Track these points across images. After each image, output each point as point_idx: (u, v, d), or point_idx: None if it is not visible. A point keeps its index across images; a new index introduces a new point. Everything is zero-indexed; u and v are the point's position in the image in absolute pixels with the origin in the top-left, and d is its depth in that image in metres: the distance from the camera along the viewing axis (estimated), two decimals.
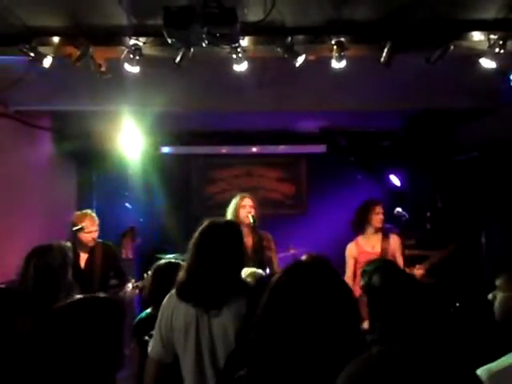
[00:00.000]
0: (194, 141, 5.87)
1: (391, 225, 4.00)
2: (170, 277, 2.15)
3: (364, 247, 3.85)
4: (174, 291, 2.01)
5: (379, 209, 3.86)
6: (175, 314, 1.95)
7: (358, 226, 3.89)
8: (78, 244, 3.60)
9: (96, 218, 3.69)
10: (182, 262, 2.63)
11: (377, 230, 3.83)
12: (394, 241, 3.85)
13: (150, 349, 2.00)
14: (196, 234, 2.02)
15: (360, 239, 3.89)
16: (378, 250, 3.79)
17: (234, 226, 2.13)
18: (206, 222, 2.05)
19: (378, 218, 3.82)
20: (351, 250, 3.90)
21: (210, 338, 1.90)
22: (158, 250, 4.93)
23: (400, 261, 3.77)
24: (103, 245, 3.75)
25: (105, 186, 5.40)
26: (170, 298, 2.01)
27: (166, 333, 1.96)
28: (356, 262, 3.83)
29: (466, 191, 5.02)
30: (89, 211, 3.75)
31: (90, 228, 3.61)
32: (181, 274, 2.00)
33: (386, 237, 3.83)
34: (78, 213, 3.74)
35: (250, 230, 3.40)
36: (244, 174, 6.30)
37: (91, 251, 3.68)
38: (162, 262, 2.63)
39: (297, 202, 6.30)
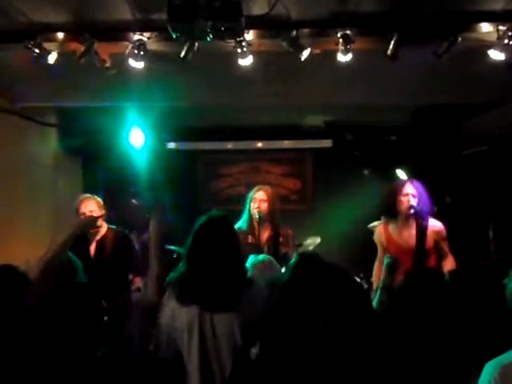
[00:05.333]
0: (199, 136, 5.86)
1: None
2: None
3: (395, 237, 3.24)
4: (171, 291, 1.98)
5: (409, 188, 3.16)
6: (176, 313, 1.93)
7: (387, 214, 3.27)
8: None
9: (91, 201, 3.39)
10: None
11: (407, 218, 3.16)
12: (433, 231, 3.17)
13: (152, 348, 2.00)
14: (191, 234, 1.99)
15: (390, 224, 3.28)
16: (412, 244, 3.11)
17: (227, 221, 2.07)
18: (199, 221, 2.01)
19: (405, 200, 3.12)
20: (379, 234, 3.32)
21: (214, 334, 1.88)
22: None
23: (446, 255, 3.17)
24: (116, 232, 3.45)
25: (110, 182, 5.40)
26: (168, 297, 1.98)
27: (167, 331, 1.95)
28: (385, 250, 3.24)
29: (474, 186, 4.96)
30: (87, 195, 3.50)
31: (81, 210, 3.33)
32: (178, 275, 1.98)
33: (422, 227, 3.09)
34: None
35: (258, 224, 3.34)
36: (249, 170, 6.28)
37: (102, 239, 3.39)
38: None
39: (303, 197, 6.28)
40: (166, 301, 1.99)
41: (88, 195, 3.50)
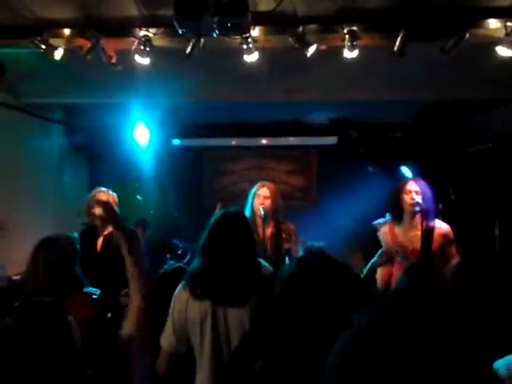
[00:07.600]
0: (204, 133, 5.86)
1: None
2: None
3: (400, 238, 3.13)
4: (185, 283, 1.99)
5: (412, 185, 3.07)
6: (189, 306, 1.94)
7: (392, 214, 3.16)
8: (98, 226, 3.40)
9: (103, 196, 3.38)
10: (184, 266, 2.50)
11: (412, 217, 3.06)
12: (439, 234, 3.03)
13: (162, 340, 2.00)
14: (207, 230, 2.01)
15: (397, 224, 3.17)
16: (417, 246, 3.01)
17: (243, 217, 2.10)
18: (215, 217, 2.03)
19: (408, 197, 3.03)
20: (385, 234, 3.20)
21: (226, 328, 1.90)
22: (169, 242, 4.94)
23: (453, 257, 3.01)
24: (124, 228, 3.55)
25: (116, 178, 5.42)
26: (182, 290, 1.99)
27: (179, 324, 1.96)
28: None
29: (479, 183, 4.95)
30: (102, 189, 3.51)
31: (92, 203, 3.39)
32: (192, 270, 1.99)
33: (428, 228, 2.99)
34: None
35: (263, 221, 3.33)
36: (254, 167, 6.29)
37: (109, 234, 3.36)
38: (161, 274, 2.50)
39: (307, 194, 6.28)
40: (179, 294, 1.99)
41: (103, 189, 3.51)
